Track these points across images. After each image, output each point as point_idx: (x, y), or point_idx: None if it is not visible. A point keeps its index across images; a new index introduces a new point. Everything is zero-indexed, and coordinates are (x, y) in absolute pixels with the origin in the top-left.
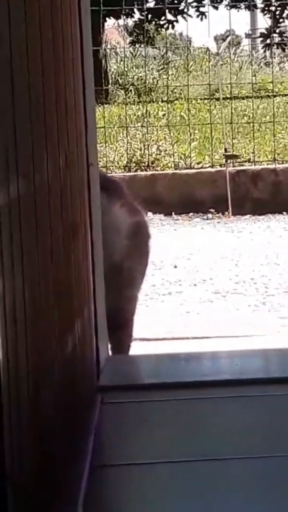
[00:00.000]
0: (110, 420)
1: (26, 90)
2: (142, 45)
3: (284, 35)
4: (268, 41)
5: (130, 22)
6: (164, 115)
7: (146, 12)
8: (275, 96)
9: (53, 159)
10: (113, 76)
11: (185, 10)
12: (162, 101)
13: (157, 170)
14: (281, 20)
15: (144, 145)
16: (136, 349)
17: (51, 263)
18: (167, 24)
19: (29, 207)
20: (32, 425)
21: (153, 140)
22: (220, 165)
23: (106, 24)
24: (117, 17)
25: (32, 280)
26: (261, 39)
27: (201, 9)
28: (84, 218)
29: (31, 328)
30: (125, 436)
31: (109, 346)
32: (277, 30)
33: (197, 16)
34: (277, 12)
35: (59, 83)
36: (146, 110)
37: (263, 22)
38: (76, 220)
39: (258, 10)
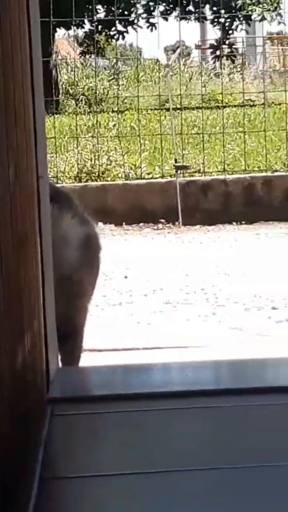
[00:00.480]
0: (60, 432)
1: None
2: (93, 56)
3: (234, 46)
4: (217, 52)
5: (81, 32)
6: (114, 125)
7: (96, 23)
8: (224, 107)
9: (2, 172)
10: (63, 87)
11: (135, 21)
12: (113, 112)
13: (108, 181)
14: (230, 31)
15: (94, 156)
16: (86, 360)
17: (0, 275)
18: (117, 35)
19: None
20: None
21: (103, 151)
22: (171, 176)
23: (56, 34)
24: (68, 28)
25: None
26: (211, 50)
27: (151, 20)
28: (34, 230)
29: None
30: (75, 448)
31: (59, 357)
32: (227, 42)
33: (147, 27)
34: (226, 24)
35: (8, 95)
36: (97, 121)
37: (213, 33)
38: (26, 232)
39: (208, 22)
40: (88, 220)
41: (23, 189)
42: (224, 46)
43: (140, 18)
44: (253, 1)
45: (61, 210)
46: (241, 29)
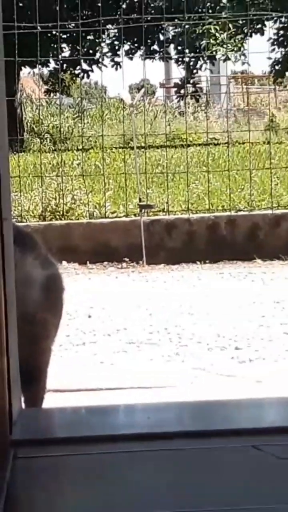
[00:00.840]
0: (23, 476)
1: None
2: (58, 94)
3: (198, 85)
4: (182, 91)
5: (46, 71)
6: (79, 164)
7: (61, 62)
8: (189, 145)
9: None
10: (28, 125)
11: (100, 60)
12: (77, 150)
13: (72, 219)
14: (194, 70)
15: (59, 194)
16: (49, 401)
17: None
18: (82, 74)
19: None
20: None
21: (68, 189)
22: (135, 215)
23: (21, 73)
24: (33, 66)
25: None
26: (175, 89)
27: (116, 59)
28: None
29: None
30: (39, 492)
31: (22, 398)
32: (191, 81)
33: (112, 66)
34: (191, 63)
35: None
36: (61, 159)
37: (178, 72)
38: None
39: (173, 61)
40: (51, 261)
41: None
42: (188, 85)
43: (105, 57)
44: (218, 41)
45: (24, 251)
46: (206, 68)
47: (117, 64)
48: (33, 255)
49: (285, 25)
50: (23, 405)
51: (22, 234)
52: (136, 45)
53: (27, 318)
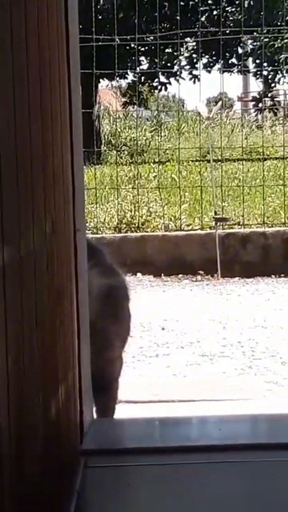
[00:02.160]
0: (93, 484)
1: (13, 156)
2: (135, 107)
3: (276, 99)
4: (260, 104)
5: (124, 83)
6: (155, 176)
7: (139, 74)
8: (265, 159)
9: (39, 226)
10: (106, 137)
11: (178, 73)
12: (154, 163)
13: (147, 232)
14: (272, 84)
15: (134, 207)
16: (121, 412)
17: (35, 327)
18: (160, 86)
19: (15, 274)
20: (15, 487)
21: (143, 202)
22: (210, 228)
23: (100, 85)
24: (111, 79)
25: (16, 345)
26: (253, 102)
27: (194, 72)
28: (70, 283)
29: (14, 393)
30: (108, 501)
31: (94, 409)
32: (269, 94)
33: (190, 79)
34: (269, 77)
35: (46, 149)
36: (138, 172)
37: (256, 85)
38: (62, 285)
39: (251, 74)
40: (114, 270)
41: (60, 243)
42: (266, 98)
43: (183, 70)
44: None
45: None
46: (284, 82)
47: (195, 77)
48: (90, 263)
49: None
50: (94, 416)
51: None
52: (214, 58)
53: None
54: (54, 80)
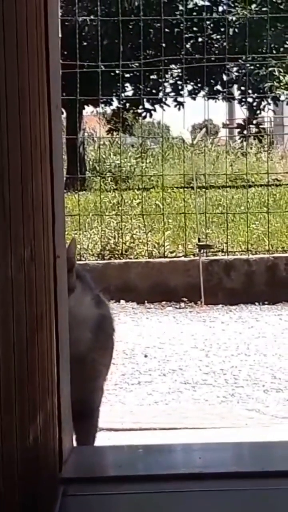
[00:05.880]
0: None
1: None
2: (120, 133)
3: (261, 126)
4: (245, 131)
5: (109, 110)
6: (139, 203)
7: (124, 101)
8: (250, 186)
9: (17, 253)
10: (90, 163)
11: (163, 99)
12: (138, 189)
13: (131, 258)
14: (258, 111)
15: (118, 233)
16: (102, 439)
17: (13, 355)
18: (144, 113)
19: None
20: None
21: (127, 228)
22: (194, 255)
23: (84, 111)
24: (96, 105)
25: None
26: (238, 129)
27: (179, 98)
28: (50, 310)
29: None
30: None
31: (74, 436)
32: (254, 121)
33: (175, 105)
34: (254, 104)
35: (25, 175)
36: (122, 198)
37: (241, 112)
38: (41, 312)
39: (236, 101)
40: (103, 300)
41: (39, 269)
42: (251, 125)
43: (168, 97)
44: (281, 84)
45: (84, 290)
46: (269, 109)
47: (180, 104)
48: (91, 294)
49: None
50: (75, 443)
51: (81, 273)
52: (199, 85)
53: (78, 357)
54: (34, 106)
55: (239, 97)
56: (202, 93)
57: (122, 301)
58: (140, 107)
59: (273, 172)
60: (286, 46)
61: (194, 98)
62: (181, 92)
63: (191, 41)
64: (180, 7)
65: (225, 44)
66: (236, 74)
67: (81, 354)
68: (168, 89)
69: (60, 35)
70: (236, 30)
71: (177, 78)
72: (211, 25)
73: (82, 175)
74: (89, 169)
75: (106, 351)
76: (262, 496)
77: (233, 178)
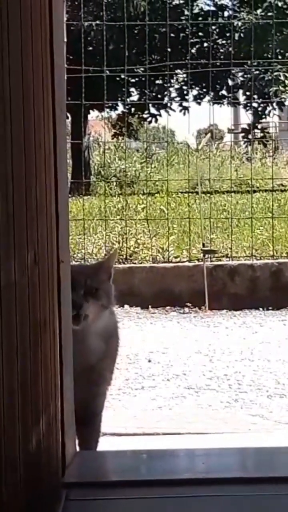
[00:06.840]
0: None
1: None
2: (125, 138)
3: (266, 130)
4: (249, 136)
5: (114, 114)
6: (143, 208)
7: (129, 106)
8: (254, 191)
9: (21, 257)
10: (95, 168)
11: (168, 104)
12: (143, 194)
13: (135, 263)
14: (263, 116)
15: (122, 238)
16: (105, 444)
17: (16, 358)
18: (150, 118)
19: None
20: None
21: (131, 233)
22: (198, 260)
23: (89, 116)
24: (101, 110)
25: None
26: (243, 134)
27: (184, 103)
28: (53, 315)
29: None
30: None
31: (77, 441)
32: (259, 126)
33: (180, 110)
34: (259, 109)
35: (29, 179)
36: (126, 203)
37: (246, 117)
38: (44, 317)
39: (241, 106)
40: (113, 309)
41: (43, 274)
42: (256, 130)
43: (173, 102)
44: (286, 89)
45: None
46: (274, 114)
47: (185, 109)
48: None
49: None
50: (77, 448)
51: None
52: (204, 90)
53: (88, 366)
54: (39, 111)
55: (244, 102)
56: (207, 98)
57: (126, 306)
58: (145, 112)
59: (278, 177)
60: None
61: (199, 103)
62: (186, 97)
63: (197, 46)
64: (186, 12)
65: (230, 49)
66: (242, 79)
67: (92, 363)
68: (174, 94)
69: (65, 40)
70: (242, 35)
71: (182, 83)
72: (217, 30)
73: (87, 180)
74: (94, 174)
75: (113, 360)
76: (266, 502)
77: (238, 183)
